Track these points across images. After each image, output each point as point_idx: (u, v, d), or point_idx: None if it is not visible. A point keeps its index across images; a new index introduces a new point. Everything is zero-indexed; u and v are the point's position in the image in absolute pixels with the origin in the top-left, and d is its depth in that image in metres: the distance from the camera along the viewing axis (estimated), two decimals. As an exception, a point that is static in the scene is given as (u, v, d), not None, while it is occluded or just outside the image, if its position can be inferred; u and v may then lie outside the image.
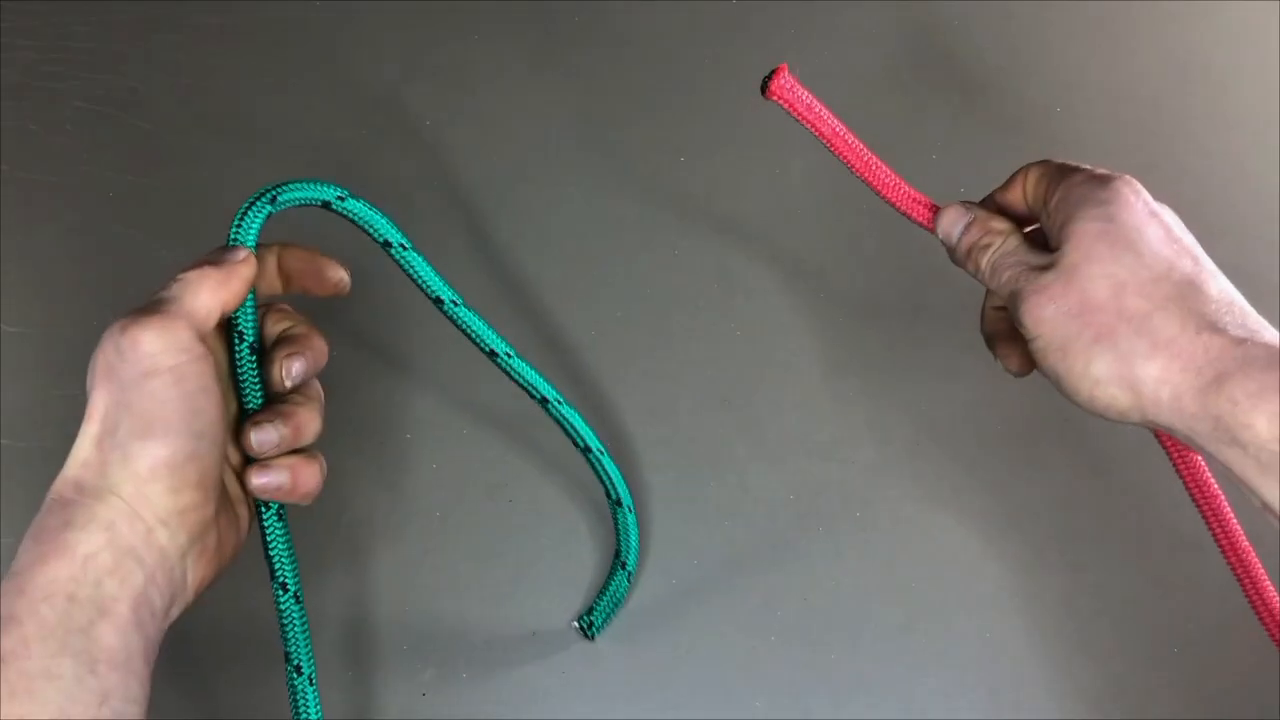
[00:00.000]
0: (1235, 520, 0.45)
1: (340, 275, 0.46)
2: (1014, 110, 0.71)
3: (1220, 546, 0.45)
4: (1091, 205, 0.40)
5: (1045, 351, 0.40)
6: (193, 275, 0.41)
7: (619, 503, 0.53)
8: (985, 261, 0.43)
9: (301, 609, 0.44)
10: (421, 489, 0.59)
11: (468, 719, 0.53)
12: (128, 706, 0.36)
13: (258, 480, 0.42)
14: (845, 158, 0.46)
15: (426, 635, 0.55)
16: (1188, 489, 0.45)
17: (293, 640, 0.43)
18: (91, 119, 0.69)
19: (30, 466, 0.58)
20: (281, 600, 0.43)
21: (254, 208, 0.43)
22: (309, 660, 0.44)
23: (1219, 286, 0.38)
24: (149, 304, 0.40)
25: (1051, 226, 0.42)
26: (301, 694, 0.44)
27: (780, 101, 0.44)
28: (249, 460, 0.42)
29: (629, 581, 0.55)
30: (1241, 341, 0.36)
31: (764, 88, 0.44)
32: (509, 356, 0.48)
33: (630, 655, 0.55)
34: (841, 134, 0.45)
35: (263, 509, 0.43)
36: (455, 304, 0.46)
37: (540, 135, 0.70)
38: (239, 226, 0.43)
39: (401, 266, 0.45)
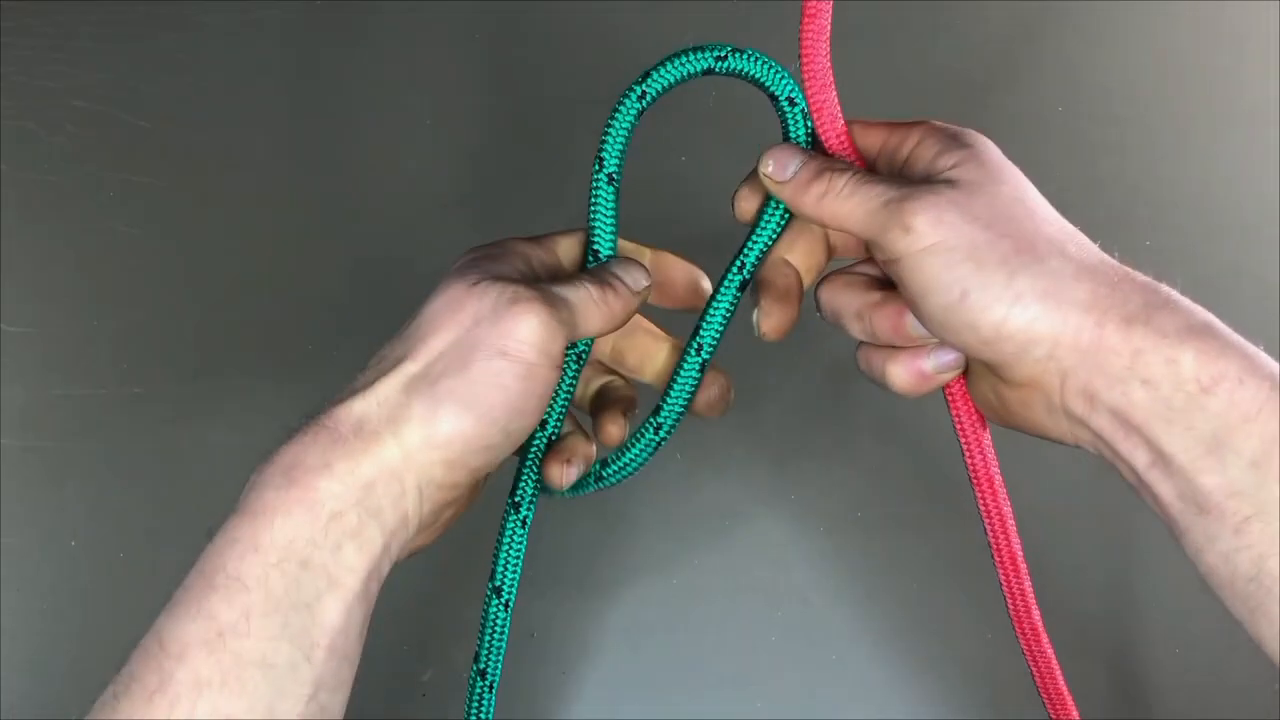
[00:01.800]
0: (1006, 499, 0.44)
1: (705, 284, 0.43)
2: (1014, 110, 0.71)
3: (989, 523, 0.44)
4: (967, 141, 0.37)
5: (947, 260, 0.34)
6: (595, 294, 0.38)
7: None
8: (844, 181, 0.38)
9: (509, 617, 0.42)
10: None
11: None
12: (334, 697, 0.33)
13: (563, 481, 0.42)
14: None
15: (426, 635, 0.55)
16: (972, 465, 0.43)
17: (490, 647, 0.42)
18: (91, 119, 0.69)
19: (30, 466, 0.58)
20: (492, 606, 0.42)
21: (621, 110, 0.40)
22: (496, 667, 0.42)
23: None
24: (548, 294, 0.37)
25: (916, 160, 0.38)
26: (482, 700, 0.42)
27: None
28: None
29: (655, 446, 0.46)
30: (1159, 280, 0.34)
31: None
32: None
33: (630, 655, 0.55)
34: None
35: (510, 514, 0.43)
36: None
37: (541, 130, 0.69)
38: (607, 140, 0.40)
39: (787, 127, 0.41)
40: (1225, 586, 0.34)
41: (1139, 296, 0.34)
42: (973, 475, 0.43)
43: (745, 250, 0.42)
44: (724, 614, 0.56)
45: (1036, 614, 0.44)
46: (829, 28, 0.40)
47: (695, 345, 0.41)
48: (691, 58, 0.40)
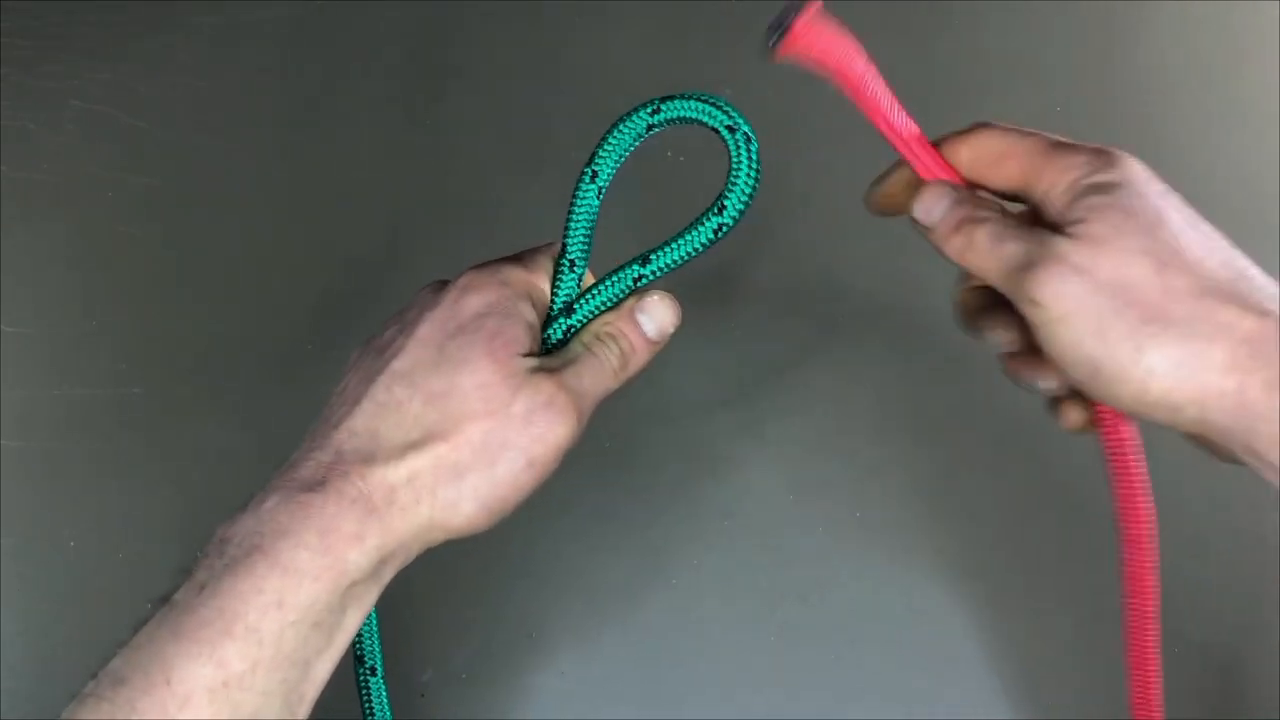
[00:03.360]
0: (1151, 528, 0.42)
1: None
2: (1014, 110, 0.71)
3: (1127, 539, 0.42)
4: (1103, 184, 0.35)
5: (1073, 335, 0.34)
6: (615, 364, 0.40)
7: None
8: (982, 234, 0.37)
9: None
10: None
11: (467, 719, 0.53)
12: None
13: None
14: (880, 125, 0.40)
15: (426, 635, 0.55)
16: (1120, 493, 0.41)
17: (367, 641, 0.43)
18: (91, 119, 0.69)
19: (30, 466, 0.58)
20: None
21: (577, 200, 0.41)
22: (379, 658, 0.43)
23: (1256, 267, 0.35)
24: (578, 397, 0.38)
25: (1050, 203, 0.37)
26: (375, 692, 0.43)
27: (803, 53, 0.38)
28: None
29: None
30: None
31: (777, 37, 0.37)
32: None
33: (630, 655, 0.55)
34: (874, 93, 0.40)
35: None
36: None
37: (542, 131, 0.69)
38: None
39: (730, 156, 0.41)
40: None
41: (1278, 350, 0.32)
42: (1121, 494, 0.41)
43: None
44: (724, 614, 0.56)
45: (1155, 648, 0.44)
46: (888, 95, 0.41)
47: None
48: (629, 123, 0.41)
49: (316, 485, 0.34)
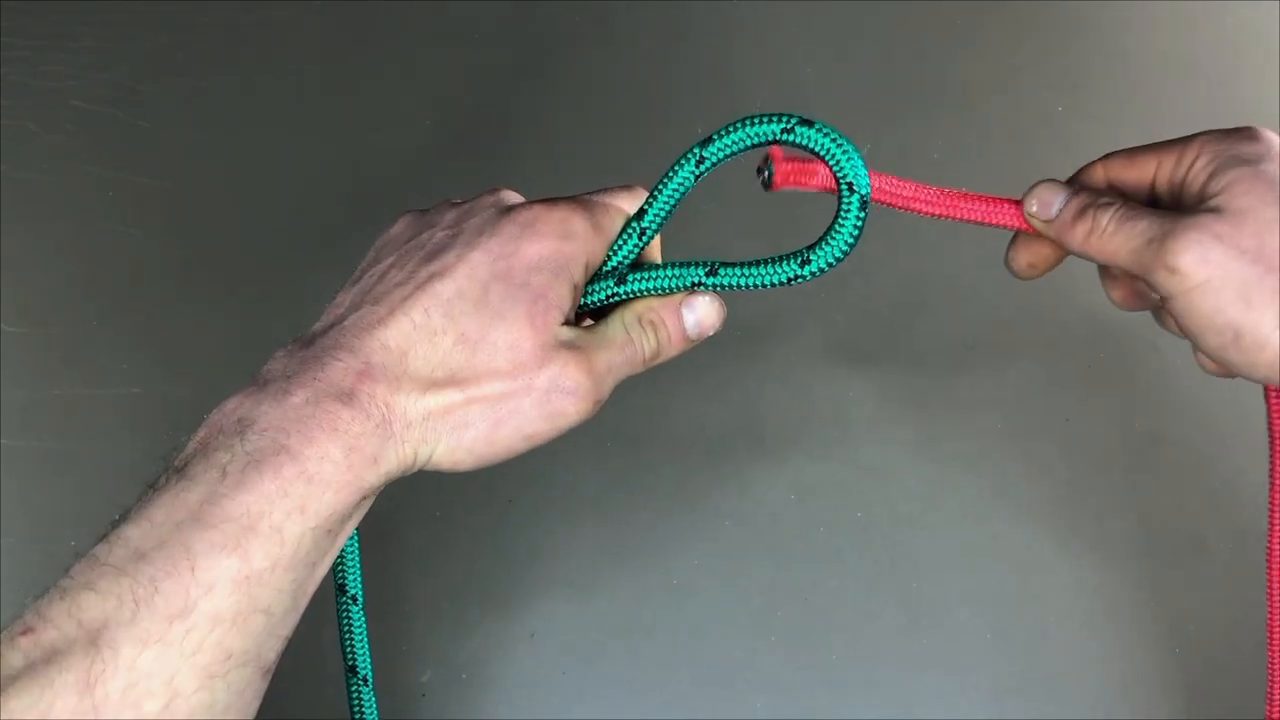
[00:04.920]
0: None
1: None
2: (1014, 110, 0.71)
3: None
4: (1244, 156, 0.35)
5: (1215, 302, 0.34)
6: (648, 354, 0.40)
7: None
8: (1108, 217, 0.37)
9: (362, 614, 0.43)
10: (421, 489, 0.59)
11: (467, 719, 0.53)
12: (276, 657, 0.34)
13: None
14: (920, 210, 0.41)
15: (426, 635, 0.55)
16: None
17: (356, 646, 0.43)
18: (91, 119, 0.69)
19: (30, 466, 0.58)
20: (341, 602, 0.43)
21: (674, 178, 0.39)
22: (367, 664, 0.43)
23: None
24: (601, 382, 0.38)
25: (1191, 183, 0.37)
26: (364, 699, 0.43)
27: (791, 186, 0.40)
28: None
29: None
30: None
31: (767, 184, 0.39)
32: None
33: (630, 655, 0.55)
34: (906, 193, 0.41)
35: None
36: None
37: (543, 137, 0.69)
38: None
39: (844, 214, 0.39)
40: None
41: None
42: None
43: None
44: (724, 614, 0.56)
45: None
46: (909, 185, 0.40)
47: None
48: (759, 127, 0.38)
49: (345, 396, 0.35)
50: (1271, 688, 0.45)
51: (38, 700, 0.28)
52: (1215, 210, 0.35)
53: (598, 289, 0.40)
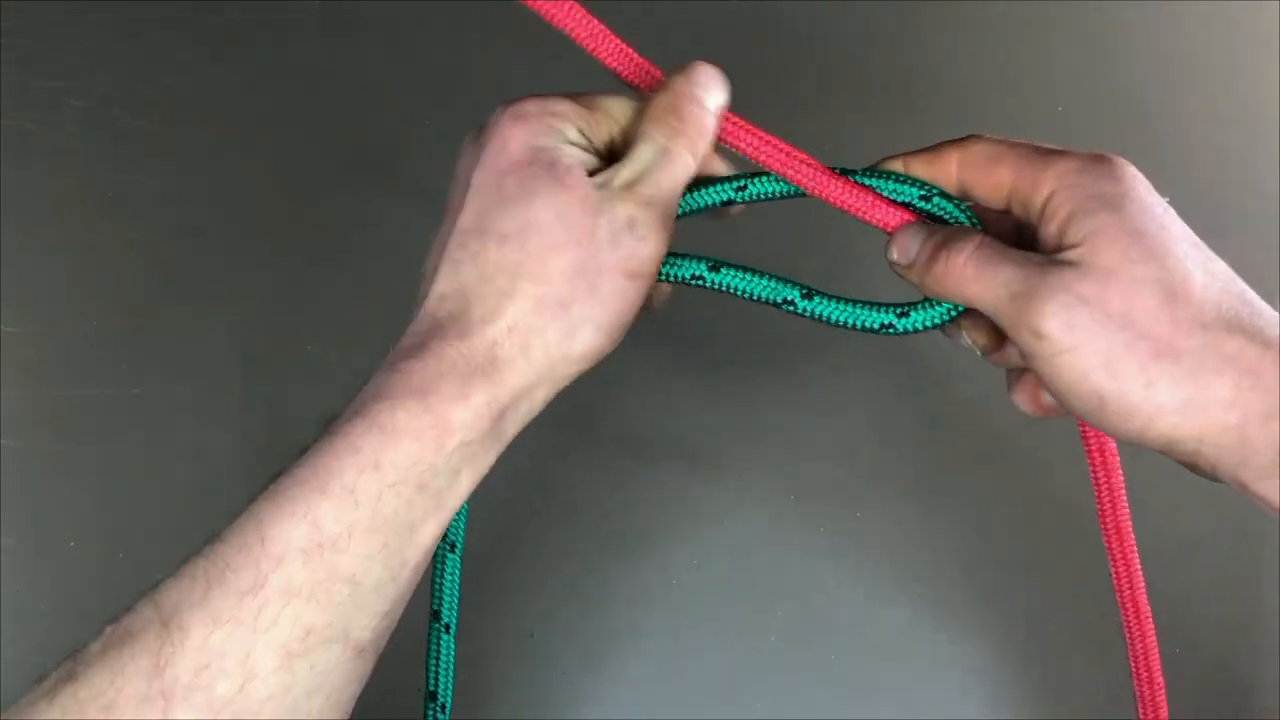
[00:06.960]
0: (1130, 528, 0.43)
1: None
2: (1014, 110, 0.71)
3: (1109, 547, 0.43)
4: (1106, 199, 0.34)
5: (1080, 368, 0.33)
6: (678, 174, 0.38)
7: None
8: (965, 257, 0.35)
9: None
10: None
11: (468, 719, 0.53)
12: (391, 625, 0.33)
13: None
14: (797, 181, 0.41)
15: (426, 636, 0.55)
16: (1099, 493, 0.42)
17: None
18: (91, 119, 0.69)
19: (30, 466, 0.58)
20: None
21: (779, 185, 0.41)
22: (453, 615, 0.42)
23: (1251, 290, 0.34)
24: (658, 208, 0.36)
25: (1049, 214, 0.35)
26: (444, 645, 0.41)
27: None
28: None
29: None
30: None
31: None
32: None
33: (630, 655, 0.55)
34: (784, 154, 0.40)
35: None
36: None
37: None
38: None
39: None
40: None
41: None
42: (1101, 510, 0.42)
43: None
44: (724, 614, 0.56)
45: (1155, 652, 0.44)
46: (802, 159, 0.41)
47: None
48: (882, 182, 0.39)
49: (415, 352, 0.33)
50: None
51: (107, 687, 0.28)
52: (1077, 266, 0.33)
53: (684, 265, 0.39)
